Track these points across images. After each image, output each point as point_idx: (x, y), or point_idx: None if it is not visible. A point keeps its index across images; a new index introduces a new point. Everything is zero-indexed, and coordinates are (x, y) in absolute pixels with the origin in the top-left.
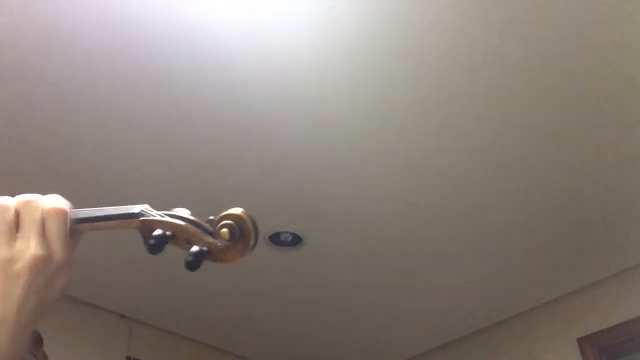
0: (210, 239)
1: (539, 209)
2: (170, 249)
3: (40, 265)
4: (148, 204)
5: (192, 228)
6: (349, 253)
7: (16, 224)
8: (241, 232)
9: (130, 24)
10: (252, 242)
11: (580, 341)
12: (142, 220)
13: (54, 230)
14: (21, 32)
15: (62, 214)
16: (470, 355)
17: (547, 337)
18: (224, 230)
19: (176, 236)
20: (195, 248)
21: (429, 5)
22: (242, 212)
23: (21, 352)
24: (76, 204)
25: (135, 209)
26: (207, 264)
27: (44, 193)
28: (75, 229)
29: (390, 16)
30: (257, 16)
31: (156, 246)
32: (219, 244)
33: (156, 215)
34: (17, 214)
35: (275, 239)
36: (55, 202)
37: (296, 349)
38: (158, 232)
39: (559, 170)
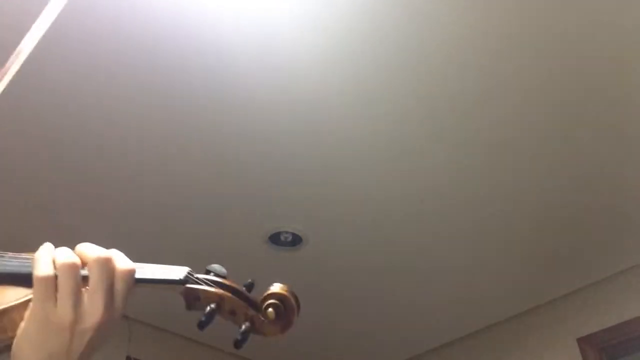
0: (253, 312)
1: (539, 209)
2: (169, 251)
3: (105, 327)
4: (146, 205)
5: (236, 300)
6: (349, 253)
7: (84, 278)
8: (285, 309)
9: (129, 26)
10: (295, 318)
11: (580, 341)
12: (188, 288)
13: (122, 292)
14: (22, 30)
15: (132, 275)
16: (470, 355)
17: (547, 337)
18: (270, 310)
19: (221, 308)
20: (243, 327)
21: (433, 6)
22: (285, 289)
23: None
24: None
25: (180, 273)
26: (201, 259)
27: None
28: None
29: (393, 17)
30: (257, 17)
31: (206, 323)
32: (263, 319)
33: (201, 282)
34: (87, 268)
35: (275, 239)
36: (126, 263)
37: (296, 348)
38: (208, 309)
39: (560, 170)
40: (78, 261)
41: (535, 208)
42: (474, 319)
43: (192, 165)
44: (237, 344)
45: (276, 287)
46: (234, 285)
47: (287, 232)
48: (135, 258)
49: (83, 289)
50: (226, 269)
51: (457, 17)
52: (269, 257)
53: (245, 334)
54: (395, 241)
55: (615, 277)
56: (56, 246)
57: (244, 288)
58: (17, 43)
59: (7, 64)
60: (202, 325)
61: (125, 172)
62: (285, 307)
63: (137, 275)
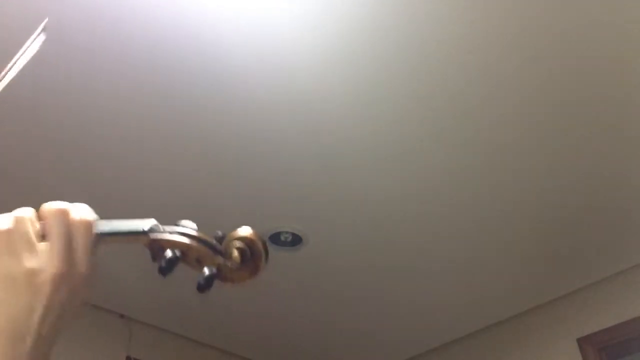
0: (220, 260)
1: (539, 209)
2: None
3: (64, 279)
4: (146, 205)
5: (202, 247)
6: (349, 253)
7: (43, 233)
8: (252, 254)
9: (129, 26)
10: (262, 264)
11: (580, 341)
12: (152, 238)
13: (81, 244)
14: (23, 29)
15: (90, 226)
16: (470, 355)
17: (547, 337)
18: (235, 253)
19: (186, 255)
20: (206, 271)
21: (432, 6)
22: (253, 233)
23: None
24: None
25: (145, 225)
26: None
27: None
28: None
29: (391, 17)
30: (257, 16)
31: (167, 269)
32: (230, 265)
33: (165, 232)
34: (45, 222)
35: (275, 239)
36: (85, 213)
37: (296, 348)
38: (169, 254)
39: (559, 171)
40: (32, 213)
41: (535, 208)
42: (474, 319)
43: (192, 166)
44: (199, 287)
45: (243, 231)
46: (199, 234)
47: (287, 232)
48: (135, 257)
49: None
50: None
51: (457, 17)
52: (269, 257)
53: (208, 279)
54: (395, 241)
55: (615, 277)
56: None
57: (212, 239)
58: (17, 43)
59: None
60: (163, 271)
61: (125, 172)
62: (252, 250)
63: (100, 229)
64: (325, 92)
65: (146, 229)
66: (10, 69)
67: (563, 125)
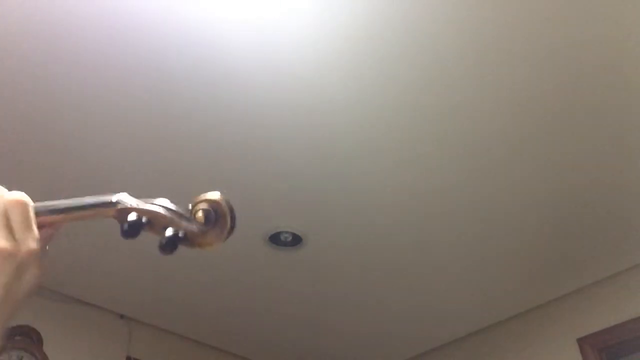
0: (186, 224)
1: (539, 209)
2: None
3: (4, 257)
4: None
5: (169, 214)
6: (349, 253)
7: None
8: (217, 215)
9: (131, 22)
10: (228, 226)
11: (580, 341)
12: (119, 209)
13: (18, 220)
14: (16, 27)
15: (23, 204)
16: (470, 355)
17: (547, 337)
18: (199, 214)
19: (152, 223)
20: (169, 231)
21: (434, 6)
22: (218, 196)
23: None
24: (59, 194)
25: (112, 197)
26: (202, 259)
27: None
28: (50, 220)
29: (395, 17)
30: (259, 16)
31: (130, 231)
32: (195, 228)
33: (133, 203)
34: None
35: (275, 239)
36: (16, 194)
37: (296, 349)
38: (133, 216)
39: (559, 170)
40: None
41: (535, 208)
42: (474, 319)
43: (192, 166)
44: (161, 247)
45: (209, 193)
46: (168, 204)
47: (287, 232)
48: (136, 257)
49: None
50: (226, 269)
51: (460, 16)
52: (269, 257)
53: (171, 238)
54: (396, 241)
55: (615, 277)
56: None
57: (181, 209)
58: (16, 43)
59: None
60: (125, 234)
61: (124, 174)
62: (217, 212)
63: (57, 206)
64: (326, 94)
65: (114, 200)
66: None
67: (563, 127)
